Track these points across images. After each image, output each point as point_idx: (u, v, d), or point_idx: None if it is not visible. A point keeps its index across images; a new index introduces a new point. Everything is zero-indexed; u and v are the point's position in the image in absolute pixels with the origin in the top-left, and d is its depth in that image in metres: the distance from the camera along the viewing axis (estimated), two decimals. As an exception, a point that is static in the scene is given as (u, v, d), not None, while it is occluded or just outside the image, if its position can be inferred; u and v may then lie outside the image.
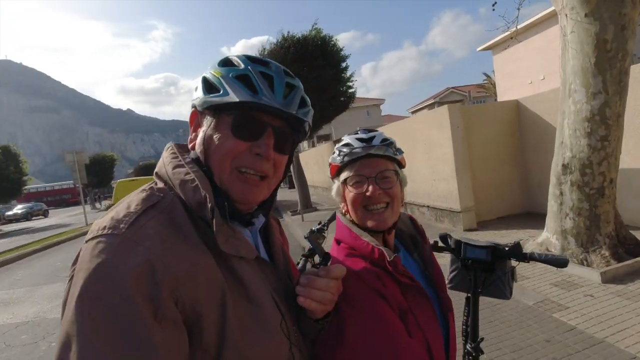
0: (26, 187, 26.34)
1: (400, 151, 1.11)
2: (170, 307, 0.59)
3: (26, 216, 31.49)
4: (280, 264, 0.85)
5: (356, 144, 1.07)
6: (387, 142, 1.07)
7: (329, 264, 0.83)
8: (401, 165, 1.11)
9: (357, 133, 1.11)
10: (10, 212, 31.98)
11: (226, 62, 0.77)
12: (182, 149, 0.81)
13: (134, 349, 0.54)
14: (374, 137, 1.07)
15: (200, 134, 0.76)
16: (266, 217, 0.85)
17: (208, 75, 0.75)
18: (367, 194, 1.03)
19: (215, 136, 0.73)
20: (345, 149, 1.08)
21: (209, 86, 0.75)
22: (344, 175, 1.08)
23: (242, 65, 0.75)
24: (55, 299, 6.15)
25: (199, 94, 0.75)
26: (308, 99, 0.82)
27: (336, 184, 1.13)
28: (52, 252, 11.57)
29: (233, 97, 0.71)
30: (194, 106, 0.77)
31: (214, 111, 0.74)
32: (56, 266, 9.06)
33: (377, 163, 1.05)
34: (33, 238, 15.19)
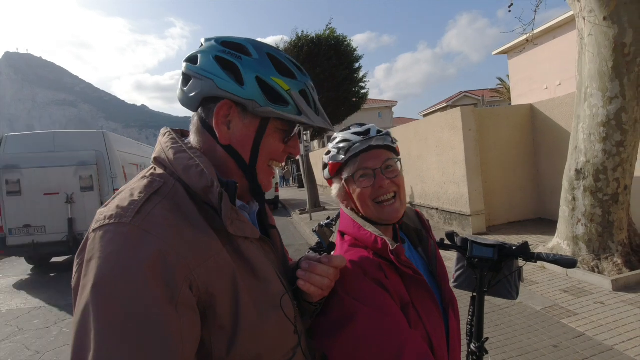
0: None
1: (395, 140, 1.11)
2: (186, 292, 0.60)
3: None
4: (277, 242, 0.88)
5: (354, 138, 1.05)
6: (383, 133, 1.07)
7: (332, 253, 0.88)
8: (397, 153, 1.11)
9: (350, 129, 1.10)
10: None
11: (284, 71, 0.75)
12: (179, 133, 0.82)
13: (152, 337, 0.55)
14: (369, 129, 1.07)
15: (240, 129, 0.75)
16: (261, 204, 0.87)
17: (272, 84, 0.73)
18: (376, 186, 1.02)
19: (265, 140, 0.77)
20: (343, 145, 1.06)
21: (275, 96, 0.73)
22: (348, 172, 1.05)
23: (298, 77, 0.76)
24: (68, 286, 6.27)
25: (256, 96, 0.72)
26: None
27: (337, 184, 1.10)
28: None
29: (307, 120, 0.76)
30: (240, 103, 0.73)
31: (268, 117, 0.75)
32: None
33: (379, 154, 1.04)
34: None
